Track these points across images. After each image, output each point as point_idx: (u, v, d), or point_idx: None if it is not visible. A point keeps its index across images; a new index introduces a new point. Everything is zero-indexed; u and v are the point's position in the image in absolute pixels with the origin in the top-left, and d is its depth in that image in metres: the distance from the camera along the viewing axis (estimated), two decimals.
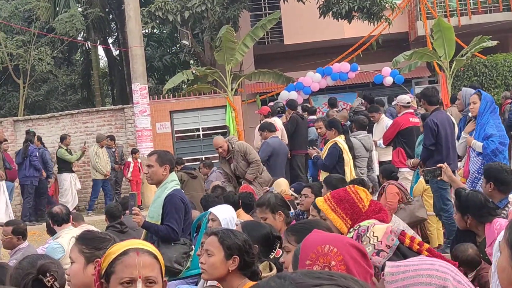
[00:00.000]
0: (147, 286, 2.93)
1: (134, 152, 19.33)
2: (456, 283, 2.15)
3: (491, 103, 9.29)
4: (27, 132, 18.74)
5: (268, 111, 16.16)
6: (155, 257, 2.99)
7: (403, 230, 3.73)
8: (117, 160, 19.50)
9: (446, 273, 2.16)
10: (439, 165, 7.21)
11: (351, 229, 3.96)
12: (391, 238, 3.62)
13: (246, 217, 8.13)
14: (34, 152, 17.80)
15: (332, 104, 18.07)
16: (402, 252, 3.55)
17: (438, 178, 7.21)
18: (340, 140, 11.55)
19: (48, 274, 3.45)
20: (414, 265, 2.21)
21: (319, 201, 4.30)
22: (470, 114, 10.13)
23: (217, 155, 18.15)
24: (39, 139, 18.87)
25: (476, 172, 9.10)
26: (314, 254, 2.73)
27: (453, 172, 9.90)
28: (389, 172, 10.64)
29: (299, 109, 18.50)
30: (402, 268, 2.21)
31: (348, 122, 15.08)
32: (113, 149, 19.48)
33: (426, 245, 3.72)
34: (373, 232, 3.69)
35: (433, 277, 2.16)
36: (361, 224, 3.95)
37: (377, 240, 3.64)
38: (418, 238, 3.80)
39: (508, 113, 15.46)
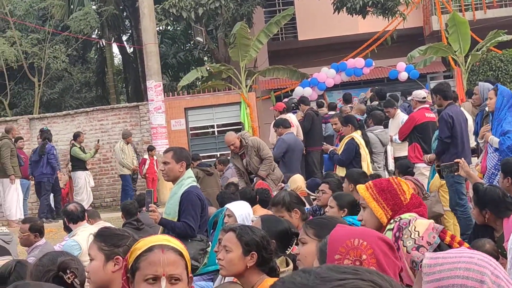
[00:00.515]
0: (171, 283, 2.93)
1: (151, 149, 19.32)
2: (495, 278, 2.12)
3: (509, 98, 9.22)
4: (42, 131, 18.72)
5: (284, 107, 16.14)
6: (180, 254, 2.99)
7: (444, 228, 3.69)
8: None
9: (484, 267, 2.13)
10: (456, 160, 7.17)
11: (392, 221, 3.89)
12: (432, 236, 3.57)
13: (263, 212, 8.13)
14: (52, 150, 17.82)
15: (347, 99, 18.03)
16: (442, 250, 3.51)
17: (455, 174, 7.18)
18: (357, 135, 11.57)
19: (68, 271, 3.46)
20: (452, 258, 2.18)
21: (361, 188, 4.20)
22: (487, 109, 10.11)
23: None
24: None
25: (493, 168, 9.05)
26: (343, 248, 2.74)
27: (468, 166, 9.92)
28: (405, 167, 10.61)
29: (314, 105, 18.46)
30: (440, 260, 2.18)
31: (365, 115, 15.04)
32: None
33: (466, 244, 3.71)
34: (415, 227, 3.63)
35: (471, 271, 2.13)
36: (402, 216, 3.88)
37: (418, 235, 3.58)
38: (458, 237, 3.75)
39: None
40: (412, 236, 3.60)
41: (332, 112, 16.71)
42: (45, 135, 18.28)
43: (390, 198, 4.03)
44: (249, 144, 11.61)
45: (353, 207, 6.27)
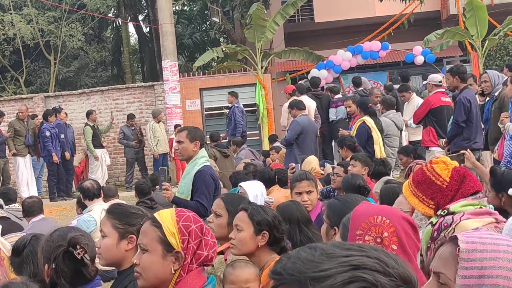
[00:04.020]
0: (142, 252, 3.06)
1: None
2: None
3: None
4: (53, 109, 18.55)
5: (293, 88, 16.11)
6: (157, 226, 3.04)
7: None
8: (139, 137, 19.37)
9: None
10: (462, 151, 7.14)
11: (438, 212, 3.71)
12: None
13: (282, 192, 8.17)
14: (44, 132, 17.37)
15: (357, 83, 17.88)
16: None
17: (461, 165, 7.16)
18: (368, 118, 11.57)
19: (78, 247, 3.48)
20: (491, 244, 2.13)
21: (404, 187, 4.13)
22: (496, 94, 10.09)
23: (247, 132, 18.24)
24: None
25: (509, 156, 9.01)
26: (366, 224, 2.75)
27: (479, 150, 9.90)
28: (412, 151, 10.58)
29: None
30: (479, 246, 2.13)
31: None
32: (133, 128, 19.37)
33: None
34: (453, 231, 3.45)
35: None
36: (451, 208, 3.67)
37: None
38: None
39: None
40: None
41: (338, 96, 16.55)
42: (45, 113, 18.19)
43: (427, 188, 3.89)
44: None
45: None
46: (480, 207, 3.70)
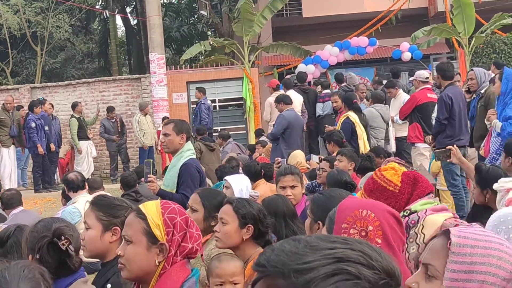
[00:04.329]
0: (126, 243, 3.05)
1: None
2: None
3: None
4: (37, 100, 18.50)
5: (277, 83, 16.13)
6: (142, 217, 3.04)
7: (457, 225, 3.59)
8: (119, 130, 19.35)
9: None
10: (448, 147, 7.16)
11: (401, 214, 3.66)
12: None
13: (268, 185, 8.18)
14: (29, 123, 17.25)
15: (339, 79, 17.85)
16: None
17: (448, 160, 7.18)
18: (352, 114, 11.60)
19: (63, 238, 3.47)
20: (482, 241, 2.14)
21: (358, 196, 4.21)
22: (482, 92, 10.13)
23: (233, 126, 18.23)
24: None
25: (494, 152, 9.04)
26: (351, 217, 2.76)
27: (465, 146, 9.93)
28: (381, 151, 10.59)
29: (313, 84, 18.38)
30: (470, 241, 2.14)
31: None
32: (113, 120, 19.32)
33: None
34: (422, 227, 3.51)
35: (503, 260, 2.10)
36: (412, 207, 3.74)
37: (423, 240, 3.43)
38: None
39: None
40: (418, 240, 3.50)
41: (327, 91, 16.56)
42: (31, 104, 18.05)
43: (380, 195, 3.93)
44: None
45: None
46: (437, 204, 3.79)
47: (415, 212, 3.69)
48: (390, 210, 2.85)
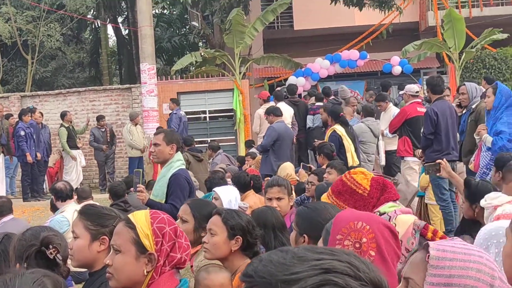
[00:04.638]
0: (115, 253, 3.05)
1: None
2: (500, 282, 2.12)
3: (508, 97, 9.18)
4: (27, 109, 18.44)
5: (268, 95, 16.14)
6: (131, 227, 3.04)
7: (427, 223, 3.60)
8: (108, 140, 19.37)
9: (494, 269, 2.11)
10: (438, 161, 7.18)
11: None
12: (411, 242, 3.47)
13: (257, 197, 8.19)
14: (19, 131, 17.17)
15: (326, 93, 17.86)
16: None
17: (437, 174, 7.20)
18: (338, 127, 11.60)
19: (51, 246, 3.46)
20: (461, 254, 2.14)
21: (323, 199, 4.23)
22: (473, 107, 10.17)
23: (223, 138, 18.23)
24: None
25: (484, 167, 9.07)
26: (346, 229, 2.77)
27: (454, 161, 9.94)
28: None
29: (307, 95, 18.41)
30: (449, 254, 2.14)
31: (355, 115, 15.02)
32: (103, 129, 19.33)
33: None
34: (395, 225, 3.48)
35: (482, 273, 2.09)
36: (380, 210, 3.80)
37: None
38: (440, 232, 3.63)
39: None
40: None
41: (320, 104, 16.60)
42: (20, 112, 18.02)
43: (348, 197, 3.98)
44: None
45: None
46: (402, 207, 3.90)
47: (384, 213, 3.72)
48: (386, 223, 2.86)
